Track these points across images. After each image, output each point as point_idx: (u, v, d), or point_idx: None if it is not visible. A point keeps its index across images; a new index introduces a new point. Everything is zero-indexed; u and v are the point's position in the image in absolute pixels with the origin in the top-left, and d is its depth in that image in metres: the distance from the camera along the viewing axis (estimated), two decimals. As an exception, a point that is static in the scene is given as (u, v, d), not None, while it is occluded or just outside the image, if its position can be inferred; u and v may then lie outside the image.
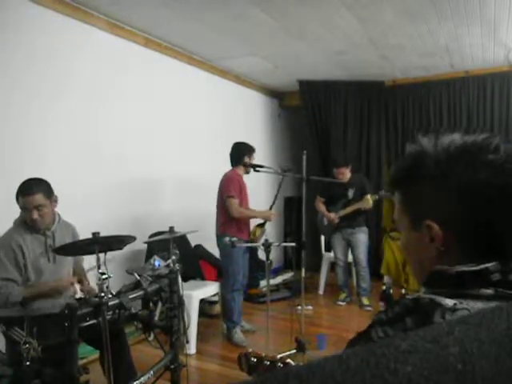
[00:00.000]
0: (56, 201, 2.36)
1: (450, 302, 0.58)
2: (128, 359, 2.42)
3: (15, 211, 2.29)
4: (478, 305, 0.58)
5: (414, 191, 0.71)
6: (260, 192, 5.18)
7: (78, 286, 2.30)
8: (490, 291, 0.60)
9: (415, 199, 0.71)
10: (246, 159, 3.62)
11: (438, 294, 0.61)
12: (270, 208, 3.88)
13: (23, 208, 2.24)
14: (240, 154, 3.64)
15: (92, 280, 2.38)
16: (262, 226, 3.79)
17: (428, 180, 0.69)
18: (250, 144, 3.74)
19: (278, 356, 1.24)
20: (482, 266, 0.62)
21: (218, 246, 3.65)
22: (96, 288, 1.99)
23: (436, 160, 0.68)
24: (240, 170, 3.64)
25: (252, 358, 1.23)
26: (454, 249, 0.68)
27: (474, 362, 0.32)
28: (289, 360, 1.23)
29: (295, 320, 3.30)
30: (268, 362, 1.21)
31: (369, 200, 4.29)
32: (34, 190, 2.21)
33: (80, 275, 2.56)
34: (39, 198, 2.22)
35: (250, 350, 1.27)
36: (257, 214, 3.77)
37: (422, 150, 0.70)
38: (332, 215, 4.47)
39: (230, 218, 3.54)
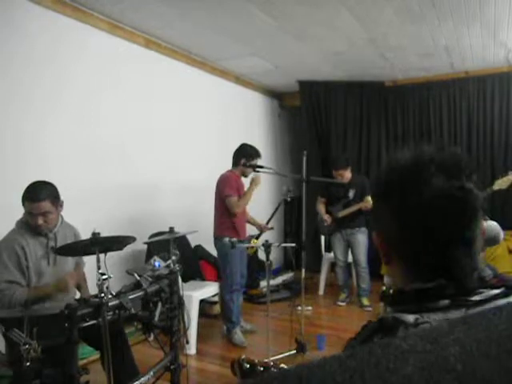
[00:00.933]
0: (62, 205, 2.35)
1: (411, 318, 0.61)
2: (130, 359, 2.42)
3: (16, 210, 2.29)
4: (438, 315, 0.61)
5: (374, 208, 0.79)
6: (260, 192, 5.17)
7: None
8: (446, 301, 0.63)
9: (374, 215, 0.80)
10: (243, 161, 3.59)
11: (401, 311, 0.64)
12: (267, 223, 3.85)
13: (29, 213, 2.23)
14: (239, 155, 3.63)
15: (92, 281, 2.37)
16: (257, 238, 3.75)
17: (378, 198, 0.76)
18: (256, 149, 3.67)
19: (272, 362, 1.24)
20: (435, 283, 0.65)
21: (216, 246, 3.65)
22: (96, 289, 1.99)
23: (383, 180, 0.74)
24: (237, 171, 3.63)
25: (245, 364, 1.23)
26: (394, 261, 0.74)
27: (474, 362, 0.32)
28: (282, 365, 1.23)
29: (295, 320, 3.31)
30: (262, 368, 1.21)
31: (369, 201, 4.30)
32: (41, 197, 2.19)
33: (79, 280, 2.56)
34: (46, 205, 2.21)
35: (243, 357, 1.27)
36: (248, 194, 3.58)
37: (378, 173, 0.77)
38: (326, 216, 4.49)
39: (227, 219, 3.54)
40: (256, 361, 1.23)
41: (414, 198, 0.67)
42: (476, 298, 0.63)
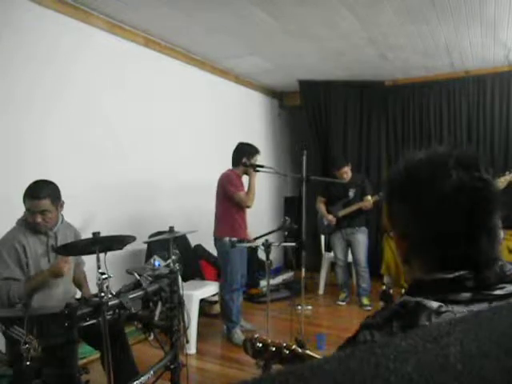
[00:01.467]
0: (62, 205, 2.35)
1: (434, 304, 0.61)
2: (130, 359, 2.42)
3: (17, 209, 2.29)
4: (461, 308, 0.61)
5: (390, 209, 0.79)
6: (260, 192, 5.17)
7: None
8: (468, 295, 0.62)
9: (390, 215, 0.79)
10: (245, 160, 3.59)
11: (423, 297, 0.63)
12: (255, 239, 3.75)
13: (28, 210, 2.23)
14: (239, 154, 3.63)
15: (92, 280, 2.37)
16: None
17: (394, 199, 0.77)
18: (254, 146, 3.67)
19: (285, 343, 1.23)
20: (457, 274, 0.65)
21: (216, 245, 3.65)
22: (96, 289, 1.99)
23: (398, 182, 0.76)
24: (239, 170, 3.63)
25: (258, 344, 1.23)
26: (413, 259, 0.74)
27: (474, 362, 0.32)
28: (294, 347, 1.22)
29: (295, 320, 3.30)
30: (274, 348, 1.20)
31: (369, 200, 4.30)
32: (41, 195, 2.20)
33: (80, 279, 2.56)
34: (46, 203, 2.22)
35: (257, 335, 1.26)
36: (252, 185, 3.55)
37: (392, 172, 0.78)
38: (330, 217, 4.49)
39: (228, 218, 3.54)
40: (269, 341, 1.23)
41: (434, 191, 0.67)
42: (498, 292, 0.62)
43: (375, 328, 0.63)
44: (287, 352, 1.18)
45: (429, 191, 0.68)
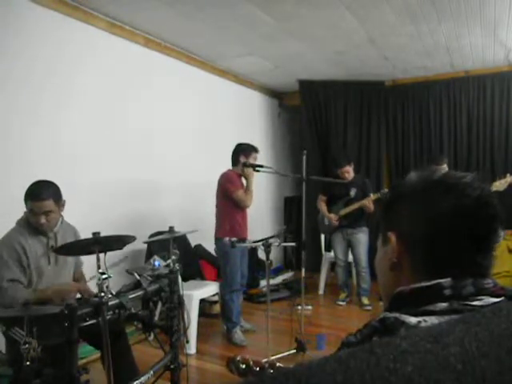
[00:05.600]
0: (63, 205, 2.35)
1: (413, 320, 0.60)
2: (130, 359, 2.42)
3: (18, 209, 2.28)
4: (440, 320, 0.60)
5: (392, 209, 0.78)
6: (260, 192, 5.18)
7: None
8: (444, 305, 0.62)
9: (390, 215, 0.79)
10: (242, 158, 3.58)
11: (402, 313, 0.63)
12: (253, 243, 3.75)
13: (31, 211, 2.22)
14: (237, 153, 3.63)
15: (92, 280, 2.37)
16: None
17: (405, 199, 0.76)
18: (251, 144, 3.68)
19: (267, 363, 1.23)
20: (434, 282, 0.65)
21: (216, 245, 3.65)
22: (96, 289, 1.99)
23: (416, 186, 0.76)
24: (238, 170, 3.63)
25: (241, 365, 1.23)
26: (406, 263, 0.73)
27: (474, 362, 0.32)
28: (278, 364, 1.22)
29: (295, 320, 3.31)
30: (257, 368, 1.20)
31: (371, 198, 4.26)
32: (44, 196, 2.19)
33: (79, 279, 2.55)
34: (49, 204, 2.21)
35: (239, 357, 1.26)
36: (250, 186, 3.55)
37: (409, 178, 0.79)
38: (332, 216, 4.47)
39: (228, 218, 3.54)
40: (251, 362, 1.22)
41: (451, 200, 0.68)
42: (476, 303, 0.62)
43: (355, 345, 0.63)
44: (271, 371, 1.18)
45: (446, 199, 0.69)
